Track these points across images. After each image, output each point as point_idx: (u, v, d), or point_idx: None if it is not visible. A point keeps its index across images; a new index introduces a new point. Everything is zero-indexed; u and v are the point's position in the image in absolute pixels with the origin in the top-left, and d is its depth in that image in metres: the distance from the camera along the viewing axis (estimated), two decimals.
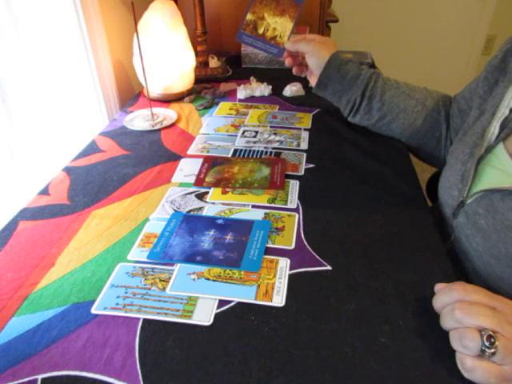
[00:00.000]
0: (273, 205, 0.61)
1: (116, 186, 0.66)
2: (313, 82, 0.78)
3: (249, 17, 0.80)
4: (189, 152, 0.75)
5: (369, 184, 0.65)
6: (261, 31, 0.80)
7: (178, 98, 0.97)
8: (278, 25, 0.79)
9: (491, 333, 0.35)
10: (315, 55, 0.73)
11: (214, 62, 1.12)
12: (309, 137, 0.80)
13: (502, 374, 0.35)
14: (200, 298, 0.46)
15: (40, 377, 0.38)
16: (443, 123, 0.72)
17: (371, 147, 0.76)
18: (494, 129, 0.54)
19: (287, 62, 0.79)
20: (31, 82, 0.77)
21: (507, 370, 0.35)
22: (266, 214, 0.59)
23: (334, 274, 0.49)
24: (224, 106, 0.94)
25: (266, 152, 0.74)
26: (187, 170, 0.70)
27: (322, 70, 0.73)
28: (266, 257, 0.51)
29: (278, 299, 0.45)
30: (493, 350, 0.34)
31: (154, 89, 0.93)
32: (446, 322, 0.38)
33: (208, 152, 0.75)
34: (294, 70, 0.81)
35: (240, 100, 0.97)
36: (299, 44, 0.75)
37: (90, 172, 0.69)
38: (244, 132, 0.81)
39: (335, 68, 0.73)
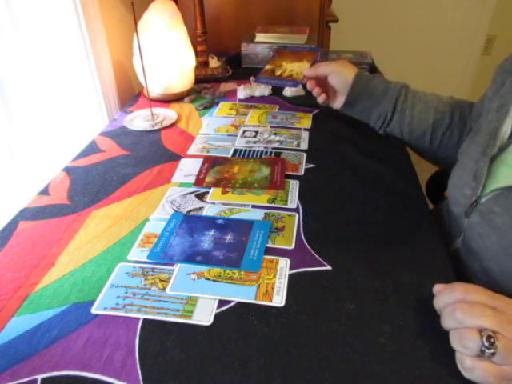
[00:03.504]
0: (273, 205, 0.61)
1: (116, 185, 0.66)
2: (337, 103, 0.79)
3: (268, 67, 0.88)
4: (189, 152, 0.75)
5: (369, 184, 0.65)
6: (278, 73, 0.86)
7: (177, 98, 0.97)
8: (296, 67, 0.85)
9: (491, 333, 0.35)
10: (339, 73, 0.74)
11: (214, 62, 1.12)
12: (309, 137, 0.80)
13: (501, 373, 0.35)
14: (200, 298, 0.46)
15: (40, 377, 0.38)
16: (465, 133, 0.70)
17: (371, 147, 0.76)
18: (507, 128, 0.53)
19: (309, 84, 0.80)
20: (31, 82, 0.77)
21: (507, 369, 0.35)
22: (266, 214, 0.59)
23: (334, 273, 0.49)
24: (224, 106, 0.94)
25: (266, 152, 0.74)
26: (187, 170, 0.70)
27: (349, 88, 0.73)
28: (266, 257, 0.51)
29: (278, 299, 0.45)
30: (492, 351, 0.34)
31: (154, 89, 0.93)
32: (447, 322, 0.38)
33: (208, 152, 0.75)
34: (321, 100, 0.81)
35: (240, 100, 0.97)
36: (319, 68, 0.77)
37: (89, 172, 0.69)
38: (244, 132, 0.81)
39: (363, 85, 0.73)
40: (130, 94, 1.07)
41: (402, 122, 0.72)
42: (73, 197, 0.63)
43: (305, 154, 0.74)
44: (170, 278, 0.48)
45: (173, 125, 0.85)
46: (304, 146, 0.77)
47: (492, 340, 0.34)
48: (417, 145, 0.75)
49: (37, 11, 0.77)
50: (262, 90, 0.98)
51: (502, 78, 0.59)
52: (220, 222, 0.57)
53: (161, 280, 0.48)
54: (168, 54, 0.90)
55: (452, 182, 0.61)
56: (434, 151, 0.73)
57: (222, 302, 0.45)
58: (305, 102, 0.94)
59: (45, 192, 0.64)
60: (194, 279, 0.48)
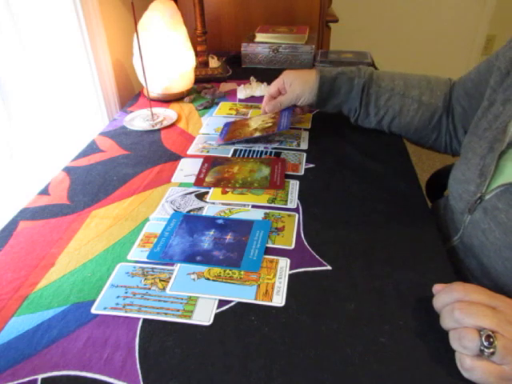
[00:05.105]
0: (273, 205, 0.61)
1: (116, 186, 0.66)
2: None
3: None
4: (189, 152, 0.75)
5: (369, 184, 0.65)
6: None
7: (177, 98, 0.97)
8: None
9: (490, 333, 0.35)
10: (302, 95, 0.75)
11: (214, 62, 1.12)
12: (309, 137, 0.80)
13: (501, 373, 0.35)
14: (200, 298, 0.46)
15: (40, 377, 0.38)
16: (443, 113, 0.73)
17: (371, 147, 0.76)
18: None
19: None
20: (31, 82, 0.77)
21: (507, 369, 0.34)
22: (265, 213, 0.59)
23: (334, 273, 0.49)
24: (224, 106, 0.94)
25: (266, 152, 0.74)
26: (187, 169, 0.70)
27: (315, 95, 0.74)
28: (266, 257, 0.51)
29: (278, 299, 0.45)
30: (492, 350, 0.34)
31: (154, 89, 0.93)
32: (446, 322, 0.38)
33: (208, 152, 0.75)
34: (299, 111, 0.82)
35: (240, 100, 0.97)
36: (273, 86, 0.78)
37: (89, 172, 0.69)
38: None
39: (327, 89, 0.74)
40: (130, 93, 1.07)
41: (368, 115, 0.75)
42: (73, 197, 0.63)
43: (305, 154, 0.74)
44: (169, 277, 0.48)
45: (173, 125, 0.85)
46: (304, 146, 0.77)
47: (491, 340, 0.34)
48: (390, 130, 0.77)
49: (37, 11, 0.76)
50: (262, 89, 0.98)
51: (506, 67, 0.56)
52: (220, 221, 0.57)
53: (161, 280, 0.48)
54: (168, 54, 0.90)
55: (454, 177, 0.60)
56: (406, 132, 0.76)
57: (221, 302, 0.45)
58: None
59: (45, 192, 0.64)
60: (193, 279, 0.48)
